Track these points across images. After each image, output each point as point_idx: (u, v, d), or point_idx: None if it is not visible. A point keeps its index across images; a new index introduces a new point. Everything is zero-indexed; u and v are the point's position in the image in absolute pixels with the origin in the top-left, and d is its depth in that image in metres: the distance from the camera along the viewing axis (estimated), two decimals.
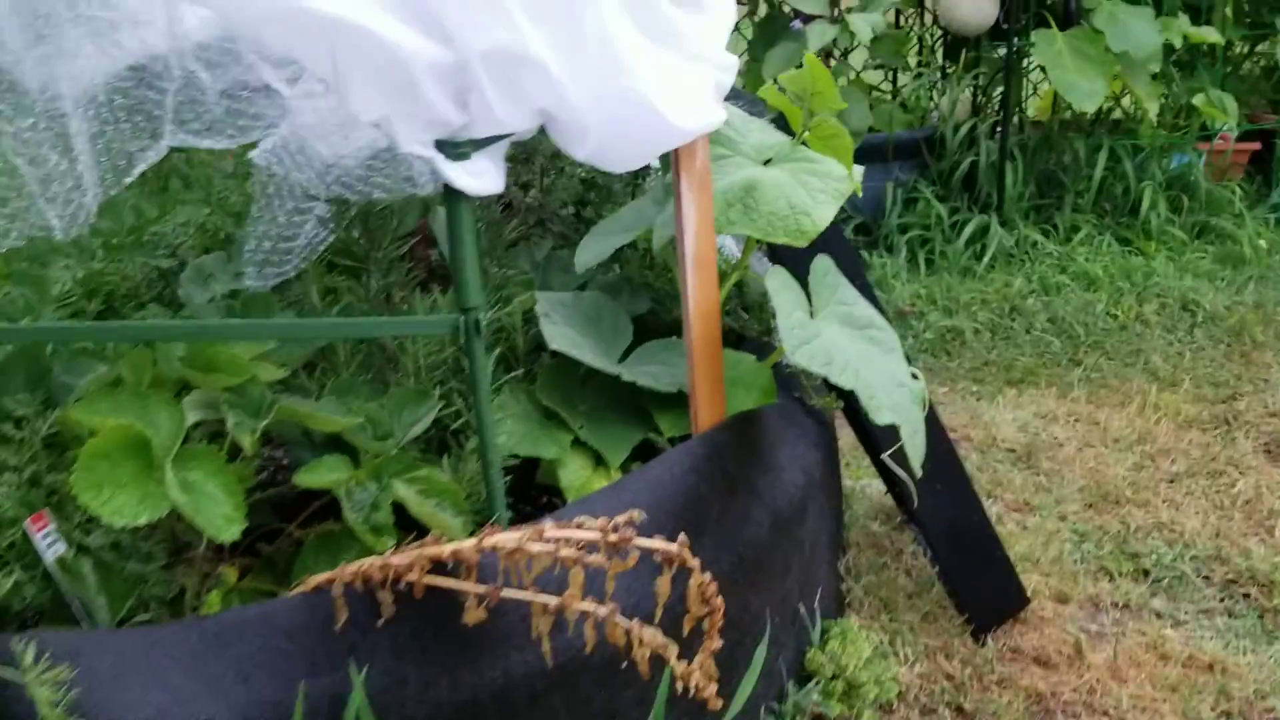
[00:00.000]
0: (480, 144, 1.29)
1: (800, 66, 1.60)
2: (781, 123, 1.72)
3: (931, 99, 4.33)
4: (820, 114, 1.59)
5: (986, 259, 3.75)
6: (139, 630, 1.15)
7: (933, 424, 1.85)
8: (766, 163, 1.61)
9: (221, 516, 1.21)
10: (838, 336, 1.50)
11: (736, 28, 4.59)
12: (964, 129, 4.02)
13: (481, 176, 1.29)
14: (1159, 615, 1.93)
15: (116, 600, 1.25)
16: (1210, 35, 3.81)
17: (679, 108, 1.38)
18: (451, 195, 1.28)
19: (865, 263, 3.90)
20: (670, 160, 1.49)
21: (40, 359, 1.42)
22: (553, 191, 2.09)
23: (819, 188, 1.52)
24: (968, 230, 3.86)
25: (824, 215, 1.49)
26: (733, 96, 1.96)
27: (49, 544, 1.25)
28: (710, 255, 1.50)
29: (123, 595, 1.26)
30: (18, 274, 1.47)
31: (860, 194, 1.64)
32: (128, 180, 1.47)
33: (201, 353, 1.38)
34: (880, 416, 1.41)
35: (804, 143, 1.64)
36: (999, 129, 4.01)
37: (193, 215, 1.98)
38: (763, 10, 4.32)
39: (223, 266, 1.87)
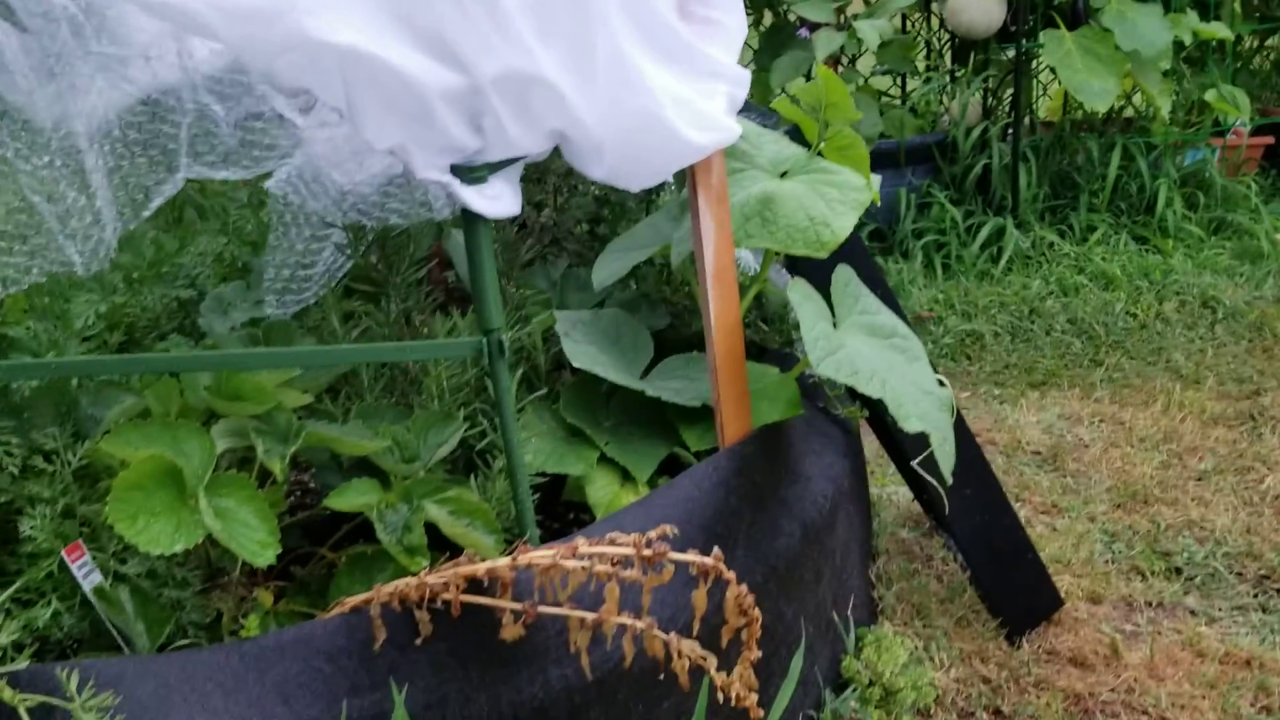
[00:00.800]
0: (496, 167, 1.32)
1: (808, 74, 1.63)
2: (796, 134, 1.74)
3: (941, 103, 4.35)
4: (835, 124, 1.61)
5: (1003, 261, 3.76)
6: (180, 655, 1.16)
7: (960, 429, 1.86)
8: (783, 175, 1.63)
9: (256, 542, 1.23)
10: (862, 346, 1.51)
11: None
12: (975, 132, 4.03)
13: (498, 199, 1.31)
14: (1193, 613, 1.93)
15: (155, 627, 1.27)
16: (1220, 31, 3.82)
17: (693, 124, 1.40)
18: (469, 219, 1.30)
19: (883, 269, 3.92)
20: (687, 176, 1.51)
21: (67, 392, 1.44)
22: (567, 210, 2.11)
23: (837, 198, 1.54)
24: (983, 233, 3.87)
25: (843, 226, 1.51)
26: (744, 110, 1.98)
27: (85, 574, 1.27)
28: (730, 269, 1.52)
29: (160, 622, 1.28)
30: (41, 309, 1.49)
31: (879, 202, 1.65)
32: (146, 214, 1.50)
33: (227, 382, 1.40)
34: (909, 424, 1.42)
35: (820, 154, 1.66)
36: (1010, 131, 4.02)
37: (210, 245, 2.01)
38: (768, 19, 4.35)
39: (241, 295, 1.89)
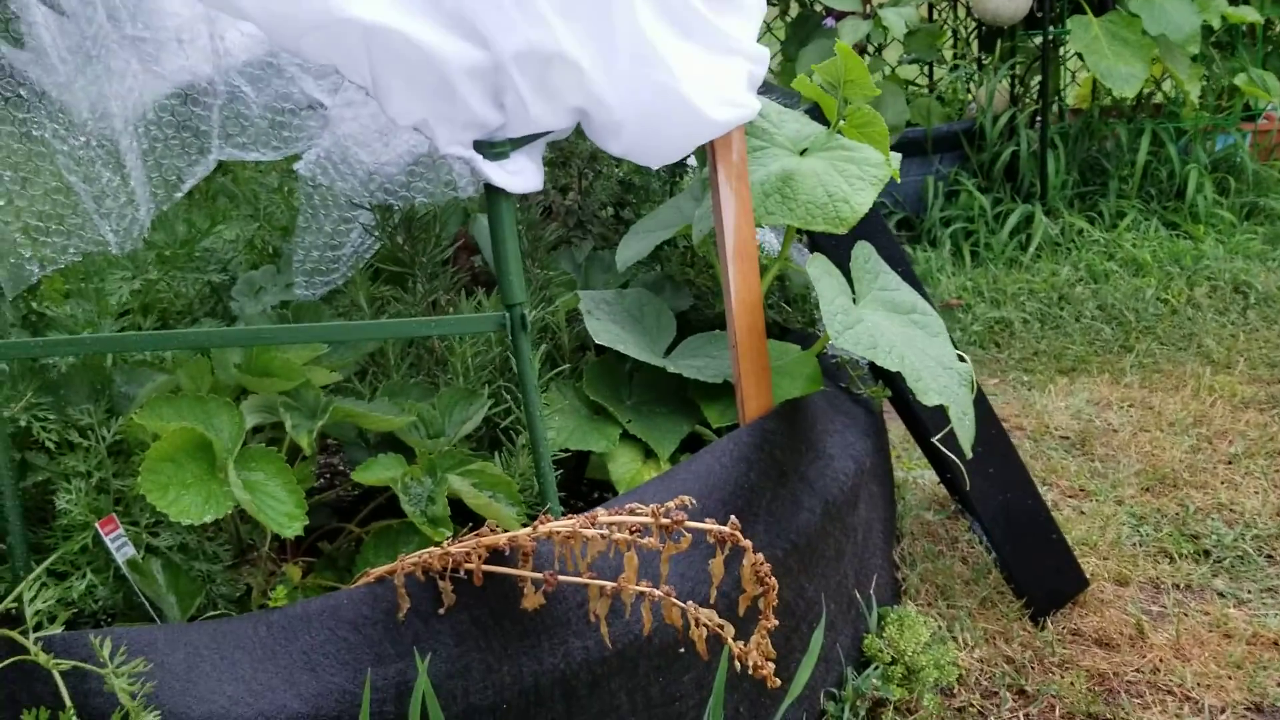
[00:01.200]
0: (518, 143, 1.33)
1: None
2: (816, 113, 1.74)
3: (969, 91, 4.33)
4: (855, 101, 1.61)
5: (1032, 249, 3.74)
6: (210, 624, 1.19)
7: (983, 408, 1.85)
8: (803, 153, 1.63)
9: (284, 514, 1.25)
10: (882, 321, 1.51)
11: (769, 28, 4.62)
12: (1003, 119, 4.01)
13: (520, 175, 1.33)
14: (1221, 595, 1.92)
15: (185, 599, 1.30)
16: (1249, 15, 3.78)
17: (712, 100, 1.41)
18: (492, 194, 1.32)
19: (911, 257, 3.91)
20: (707, 154, 1.52)
21: (101, 370, 1.47)
22: (591, 193, 2.13)
23: (856, 174, 1.54)
24: (1011, 220, 3.85)
25: (862, 202, 1.51)
26: (766, 91, 1.98)
27: (118, 546, 1.30)
28: (750, 246, 1.52)
29: (191, 594, 1.30)
30: (77, 289, 1.52)
31: (899, 179, 1.65)
32: (179, 194, 1.53)
33: (257, 359, 1.43)
34: (928, 398, 1.42)
35: (840, 131, 1.66)
36: (1038, 118, 4.00)
37: (241, 231, 2.04)
38: (794, 9, 4.34)
39: (272, 279, 1.92)
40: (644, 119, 1.36)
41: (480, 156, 1.30)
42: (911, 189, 4.07)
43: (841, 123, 1.67)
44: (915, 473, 2.37)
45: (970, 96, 4.30)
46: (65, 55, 1.32)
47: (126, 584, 1.32)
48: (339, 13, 1.15)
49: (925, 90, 4.50)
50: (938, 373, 1.48)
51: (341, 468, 1.82)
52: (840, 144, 1.62)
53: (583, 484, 1.72)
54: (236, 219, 2.06)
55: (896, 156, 1.72)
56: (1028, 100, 4.17)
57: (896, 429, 2.43)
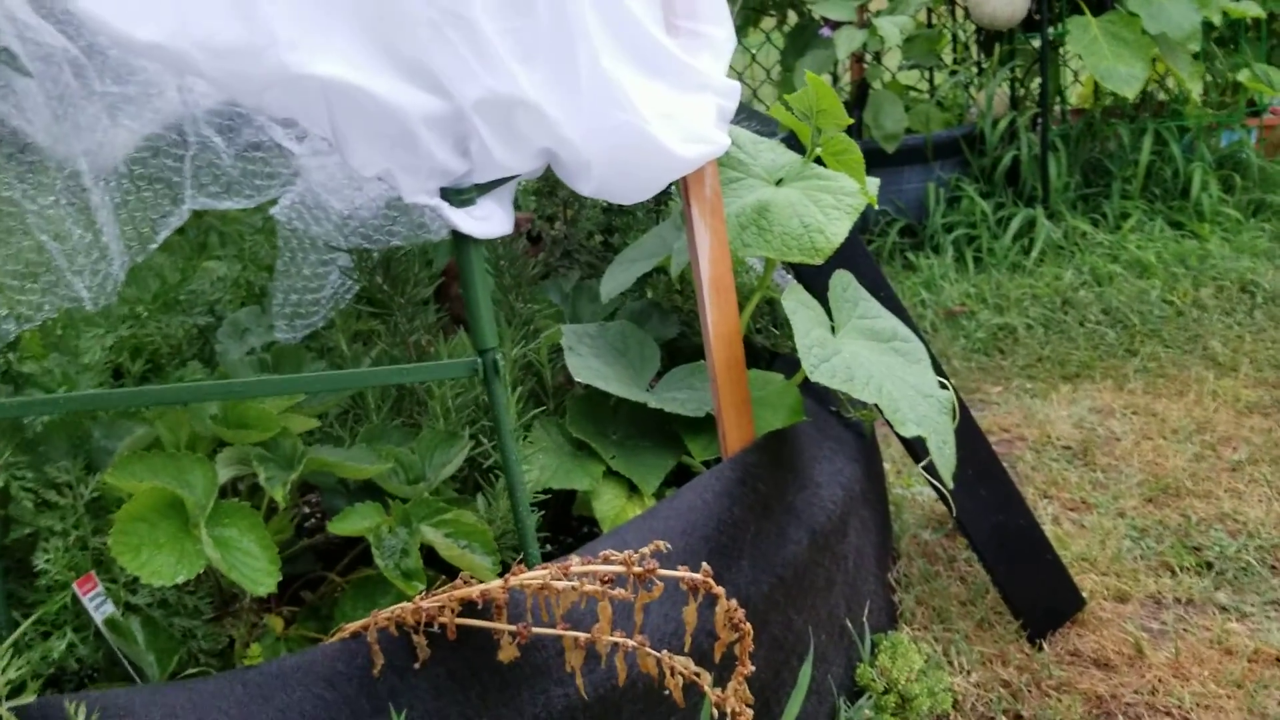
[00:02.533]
0: (484, 188, 1.32)
1: (834, 73, 1.62)
2: (794, 141, 1.73)
3: (969, 95, 4.30)
4: (828, 130, 1.60)
5: (1035, 253, 3.71)
6: (186, 684, 1.18)
7: (970, 430, 1.84)
8: (779, 182, 1.62)
9: (258, 570, 1.25)
10: (860, 350, 1.50)
11: (767, 37, 4.60)
12: (1003, 123, 3.98)
13: (487, 220, 1.32)
14: (1223, 609, 1.89)
15: (165, 656, 1.30)
16: (1251, 9, 3.74)
17: (681, 138, 1.40)
18: (460, 241, 1.31)
19: (913, 264, 3.88)
20: (680, 189, 1.51)
21: (80, 425, 1.47)
22: (578, 222, 2.12)
23: (831, 204, 1.53)
24: (1014, 225, 3.82)
25: (838, 231, 1.50)
26: (746, 117, 1.97)
27: (97, 605, 1.30)
28: (727, 279, 1.51)
29: (170, 651, 1.30)
30: (54, 344, 1.53)
31: (875, 205, 1.64)
32: (153, 246, 1.54)
33: (233, 410, 1.43)
34: (905, 429, 1.41)
35: (817, 159, 1.65)
36: (1039, 121, 3.96)
37: (228, 271, 2.05)
38: (793, 19, 4.32)
39: (256, 320, 1.92)
40: (612, 159, 1.36)
41: (446, 204, 1.29)
42: (913, 196, 4.05)
43: (818, 150, 1.65)
44: (914, 489, 2.35)
45: (970, 101, 4.27)
46: (31, 117, 1.32)
47: (107, 641, 1.32)
48: (296, 69, 1.15)
49: (926, 96, 4.47)
50: (916, 402, 1.47)
51: (322, 507, 1.82)
52: (815, 173, 1.60)
53: (571, 519, 1.71)
54: (224, 259, 2.06)
55: (874, 182, 1.71)
56: (1028, 103, 4.14)
57: (897, 445, 2.42)
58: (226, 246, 2.12)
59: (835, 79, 4.49)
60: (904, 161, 4.03)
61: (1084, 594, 1.90)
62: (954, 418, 1.53)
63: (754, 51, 4.59)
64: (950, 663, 1.76)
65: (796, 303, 1.48)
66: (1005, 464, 2.11)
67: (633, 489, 1.61)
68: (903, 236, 4.05)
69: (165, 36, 1.14)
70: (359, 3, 1.18)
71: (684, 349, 1.94)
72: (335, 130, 1.22)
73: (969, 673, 1.74)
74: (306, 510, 1.68)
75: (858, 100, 4.10)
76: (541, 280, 2.06)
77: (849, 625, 1.66)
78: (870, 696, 1.61)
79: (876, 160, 4.21)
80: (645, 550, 1.17)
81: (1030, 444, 2.60)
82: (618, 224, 2.16)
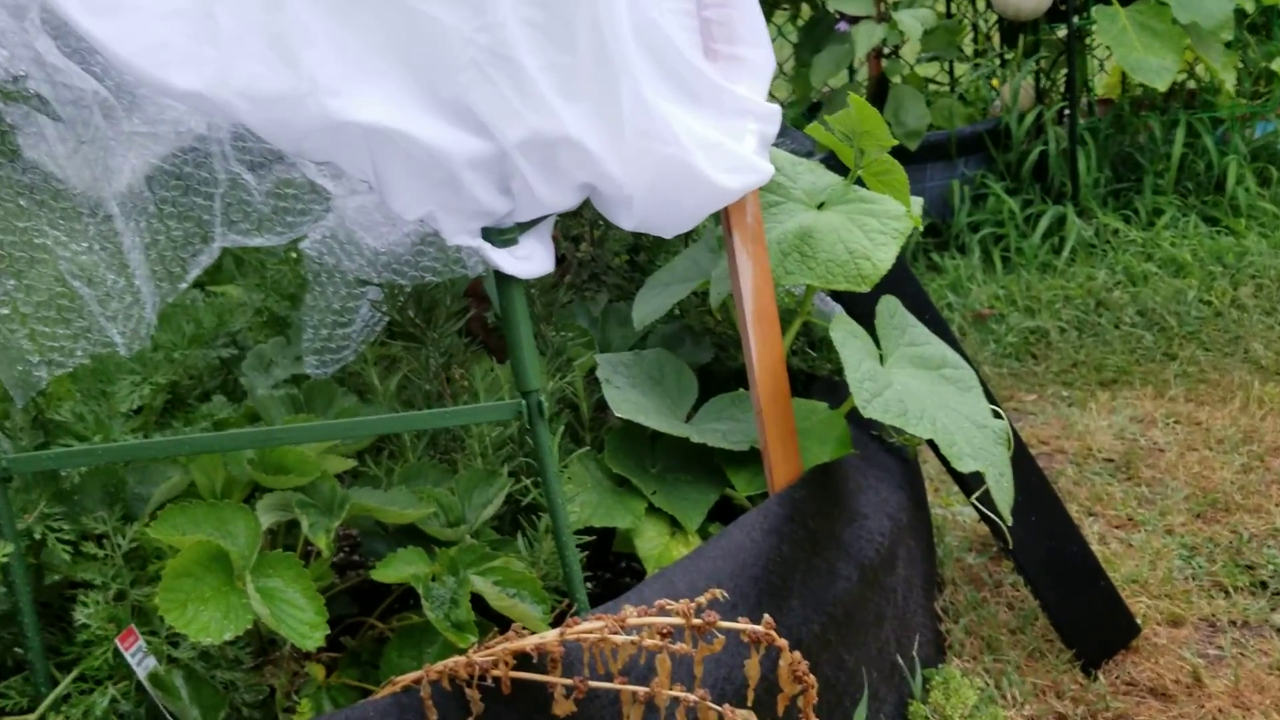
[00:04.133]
0: (526, 226, 1.34)
1: (851, 69, 1.63)
2: (833, 160, 1.74)
3: (992, 89, 4.31)
4: (871, 151, 1.62)
5: (1066, 252, 3.72)
6: None
7: (1020, 454, 1.85)
8: (820, 206, 1.64)
9: (305, 623, 1.27)
10: (910, 381, 1.52)
11: (780, 31, 4.61)
12: (1029, 117, 3.99)
13: (529, 259, 1.34)
14: None
15: (209, 710, 1.32)
16: None
17: (723, 167, 1.42)
18: (502, 281, 1.33)
19: (939, 265, 3.90)
20: (721, 218, 1.53)
21: (114, 473, 1.49)
22: (605, 243, 2.14)
23: (877, 229, 1.54)
24: (1043, 223, 3.84)
25: (884, 258, 1.51)
26: (780, 133, 1.99)
27: (139, 660, 1.32)
28: (771, 310, 1.53)
29: (215, 706, 1.32)
30: (86, 391, 1.55)
31: (920, 228, 1.65)
32: (183, 285, 1.55)
33: (270, 454, 1.44)
34: (963, 464, 1.42)
35: (858, 180, 1.67)
36: (1066, 114, 3.97)
37: (249, 299, 2.06)
38: (806, 13, 4.33)
39: (282, 351, 1.94)
40: (654, 192, 1.37)
41: (489, 245, 1.31)
42: (936, 194, 4.06)
43: (859, 171, 1.67)
44: (955, 509, 2.37)
45: (994, 94, 4.28)
46: (63, 162, 1.34)
47: (150, 697, 1.34)
48: (338, 116, 1.17)
49: (947, 89, 4.48)
50: (971, 434, 1.48)
51: (360, 540, 1.84)
52: (859, 195, 1.62)
53: (609, 555, 1.72)
54: (244, 286, 2.08)
55: (918, 202, 1.72)
56: (1054, 96, 4.15)
57: (934, 461, 2.43)
58: (244, 271, 2.14)
59: (852, 74, 4.50)
60: (927, 158, 4.04)
61: (1137, 619, 1.91)
62: (1009, 447, 1.55)
63: None
64: (1003, 695, 1.77)
65: (845, 333, 1.49)
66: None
67: (675, 525, 1.62)
68: (927, 236, 4.06)
69: (205, 85, 1.16)
70: (401, 47, 1.20)
71: (718, 374, 1.96)
72: (377, 174, 1.24)
73: (1022, 705, 1.75)
74: (343, 552, 1.70)
75: (877, 96, 4.11)
76: (568, 303, 2.07)
77: (899, 661, 1.68)
78: None
79: (898, 158, 4.22)
80: (702, 600, 1.19)
81: (1071, 457, 2.61)
82: (645, 243, 2.17)
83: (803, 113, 4.31)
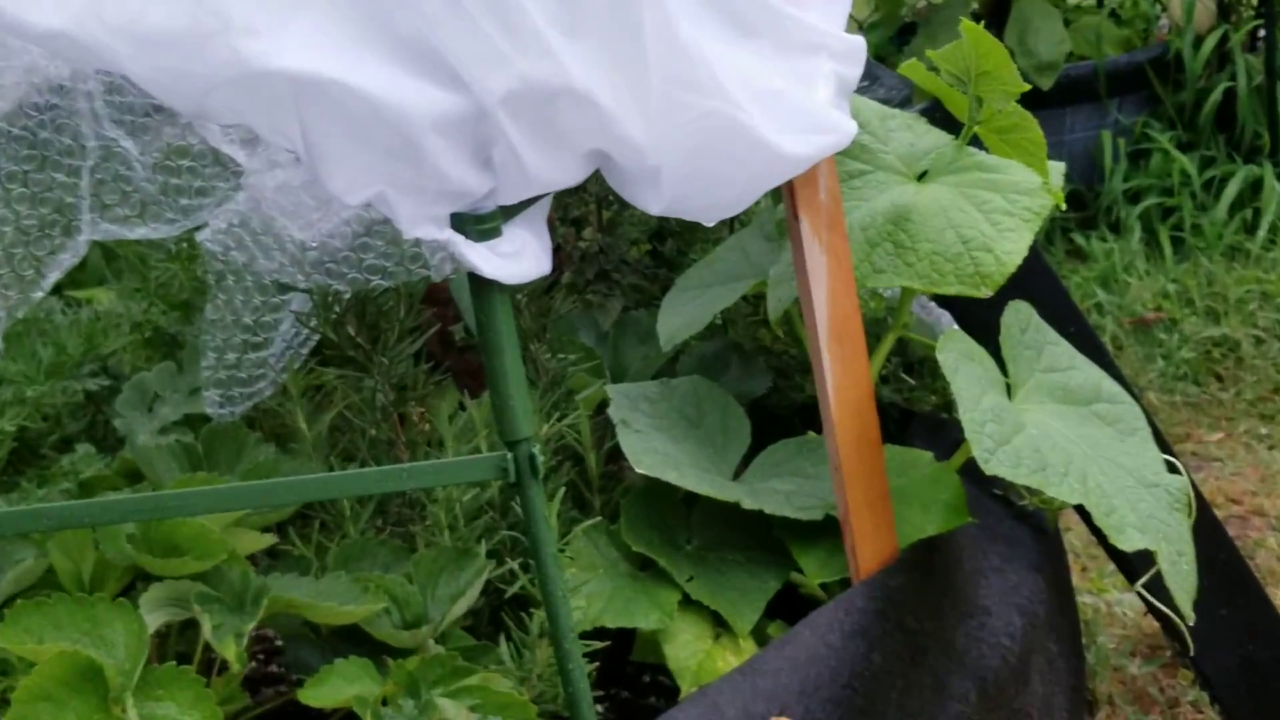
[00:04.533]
0: (512, 211, 1.35)
1: None
2: (937, 111, 1.75)
3: (1157, 3, 4.33)
4: (993, 101, 1.63)
5: (1263, 231, 3.73)
6: None
7: (1204, 521, 1.85)
8: (921, 176, 1.65)
9: None
10: (1050, 422, 1.52)
11: None
12: (1209, 41, 4.00)
13: (518, 257, 1.35)
14: None
15: None
16: None
17: (786, 126, 1.43)
18: (480, 286, 1.34)
19: (1083, 251, 3.91)
20: (784, 196, 1.54)
21: None
22: (619, 226, 2.15)
23: (1003, 208, 1.55)
24: (1230, 190, 3.85)
25: (1012, 249, 1.52)
26: (864, 76, 2.00)
27: None
28: (854, 323, 1.54)
29: None
30: None
31: (1063, 208, 1.66)
32: (38, 294, 1.57)
33: (159, 529, 1.46)
34: (1125, 539, 1.43)
35: (975, 140, 1.68)
36: (1262, 36, 3.98)
37: (125, 310, 2.09)
38: None
39: (171, 381, 1.96)
40: (690, 164, 1.39)
41: (461, 237, 1.32)
42: (1080, 149, 4.08)
43: (976, 128, 1.68)
44: (1111, 597, 2.37)
45: (1159, 10, 4.30)
46: None
47: None
48: (255, 63, 1.18)
49: (1093, 4, 4.49)
50: (1138, 496, 1.49)
51: (280, 643, 1.86)
52: (976, 162, 1.63)
53: (628, 666, 1.73)
54: (122, 293, 2.10)
55: (1058, 168, 1.73)
56: (1244, 11, 4.16)
57: (1079, 529, 2.44)
58: (119, 272, 2.16)
59: None
60: (1065, 100, 4.05)
61: None
62: (1190, 514, 1.55)
63: None
64: None
65: (958, 355, 1.50)
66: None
67: (720, 624, 1.63)
68: (1067, 210, 4.07)
69: (71, 20, 1.18)
70: None
71: (778, 411, 1.97)
72: (308, 142, 1.25)
73: None
74: (257, 660, 1.71)
75: (995, 15, 4.13)
76: (566, 313, 2.08)
77: None
78: None
79: (1026, 100, 4.21)
80: None
81: (1273, 522, 2.62)
82: (674, 228, 2.19)
83: (891, 38, 4.33)
